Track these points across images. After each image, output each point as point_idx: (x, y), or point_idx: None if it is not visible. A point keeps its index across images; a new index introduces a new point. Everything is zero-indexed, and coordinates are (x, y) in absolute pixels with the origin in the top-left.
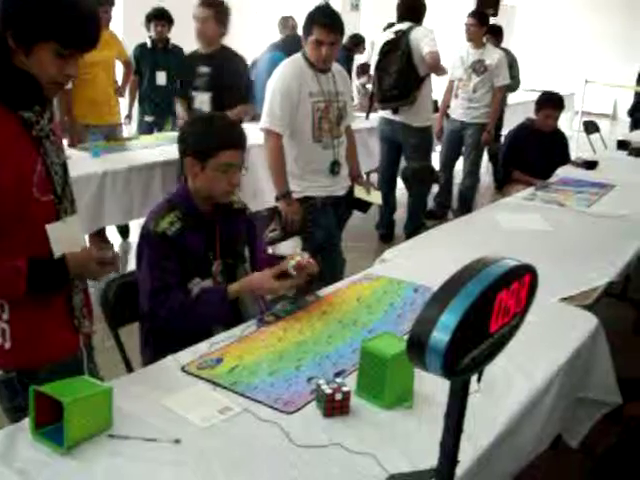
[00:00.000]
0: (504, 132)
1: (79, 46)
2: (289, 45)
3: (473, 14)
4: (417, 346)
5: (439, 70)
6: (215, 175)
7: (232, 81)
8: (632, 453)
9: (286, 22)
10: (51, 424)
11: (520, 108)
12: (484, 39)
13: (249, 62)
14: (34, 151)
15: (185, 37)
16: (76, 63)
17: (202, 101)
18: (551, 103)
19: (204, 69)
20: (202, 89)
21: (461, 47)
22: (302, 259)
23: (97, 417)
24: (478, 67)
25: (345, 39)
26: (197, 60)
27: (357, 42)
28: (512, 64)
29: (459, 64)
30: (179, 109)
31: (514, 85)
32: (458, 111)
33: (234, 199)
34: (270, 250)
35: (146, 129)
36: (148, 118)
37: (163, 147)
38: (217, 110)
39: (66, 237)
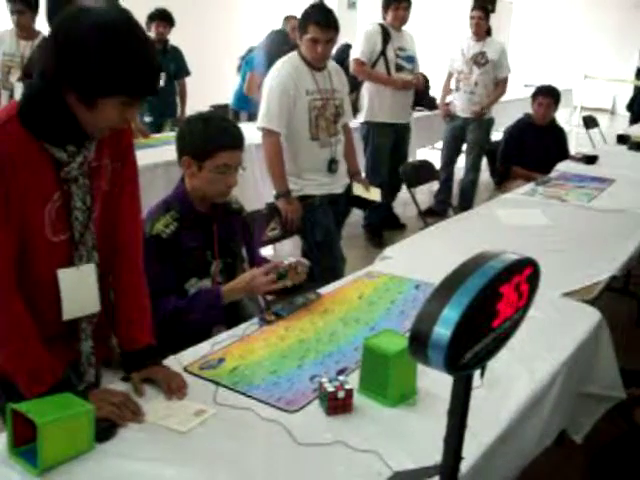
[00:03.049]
0: (501, 128)
1: (145, 95)
2: (272, 41)
3: (480, 7)
4: (419, 341)
5: (364, 76)
6: (212, 176)
7: None
8: (633, 446)
9: (287, 21)
10: (33, 441)
11: (518, 104)
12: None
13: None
14: (56, 191)
15: (184, 39)
16: (137, 108)
17: None
18: (542, 91)
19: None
20: None
21: (461, 39)
22: (293, 261)
23: (76, 439)
24: (480, 59)
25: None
26: None
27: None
28: None
29: (459, 56)
30: None
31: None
32: (460, 106)
33: (232, 200)
34: (270, 248)
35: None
36: (147, 118)
37: (165, 147)
38: None
39: (78, 286)
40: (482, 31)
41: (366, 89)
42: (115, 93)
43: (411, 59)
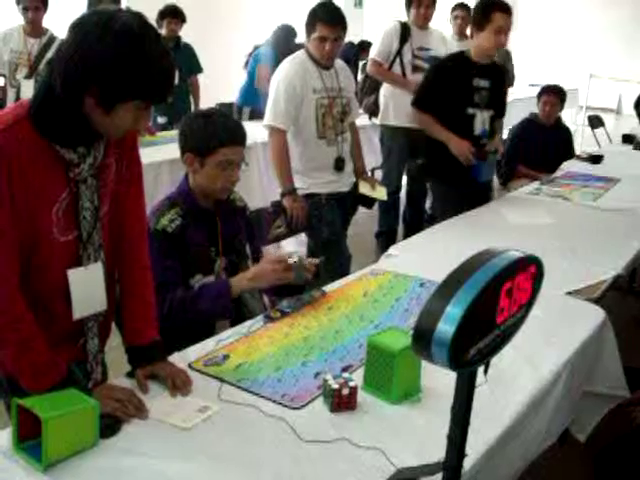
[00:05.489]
0: (507, 127)
1: (162, 99)
2: (278, 39)
3: (462, 5)
4: (423, 338)
5: (380, 78)
6: (214, 172)
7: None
8: (638, 446)
9: None
10: (37, 436)
11: (523, 103)
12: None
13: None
14: (64, 191)
15: (191, 36)
16: (150, 111)
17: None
18: (548, 90)
19: (483, 82)
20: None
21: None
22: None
23: (80, 434)
24: None
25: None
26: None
27: (364, 47)
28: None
29: None
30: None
31: (508, 82)
32: None
33: (236, 197)
34: (276, 246)
35: (160, 131)
36: (161, 119)
37: (170, 144)
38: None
39: (87, 285)
40: (464, 31)
41: (383, 90)
42: (134, 98)
43: (434, 60)
